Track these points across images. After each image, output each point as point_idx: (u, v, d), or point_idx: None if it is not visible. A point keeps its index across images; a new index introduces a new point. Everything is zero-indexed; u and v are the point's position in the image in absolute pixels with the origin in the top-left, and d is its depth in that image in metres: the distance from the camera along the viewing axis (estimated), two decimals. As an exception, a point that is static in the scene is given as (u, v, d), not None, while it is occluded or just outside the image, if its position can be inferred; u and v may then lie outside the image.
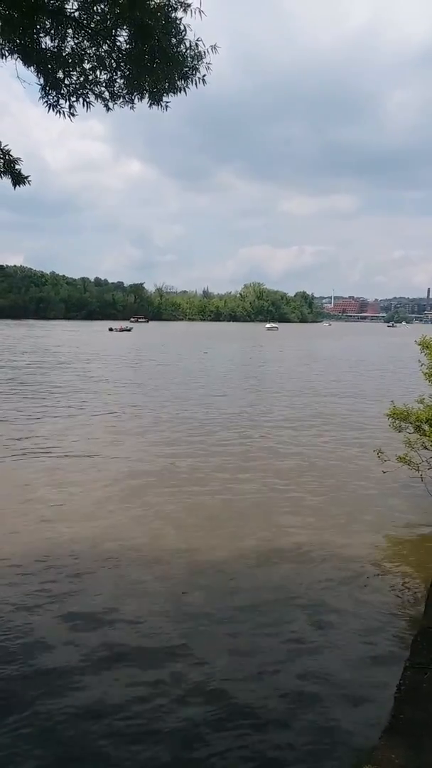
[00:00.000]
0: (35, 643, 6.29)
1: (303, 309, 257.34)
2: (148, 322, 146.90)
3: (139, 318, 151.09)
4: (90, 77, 6.64)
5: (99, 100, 6.73)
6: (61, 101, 6.67)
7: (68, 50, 6.51)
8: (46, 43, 6.43)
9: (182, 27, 6.18)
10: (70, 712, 5.21)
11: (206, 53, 6.35)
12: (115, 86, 6.69)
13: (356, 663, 6.10)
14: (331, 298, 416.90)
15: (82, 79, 6.65)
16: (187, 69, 6.39)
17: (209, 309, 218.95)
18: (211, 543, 9.21)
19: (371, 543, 9.40)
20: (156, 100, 6.66)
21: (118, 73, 6.61)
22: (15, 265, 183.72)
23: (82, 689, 5.55)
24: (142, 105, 6.81)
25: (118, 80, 6.66)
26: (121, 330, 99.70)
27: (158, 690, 5.57)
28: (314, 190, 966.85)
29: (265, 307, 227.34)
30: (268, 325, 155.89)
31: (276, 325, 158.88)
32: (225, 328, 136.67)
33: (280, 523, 10.18)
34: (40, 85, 6.63)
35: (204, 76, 6.48)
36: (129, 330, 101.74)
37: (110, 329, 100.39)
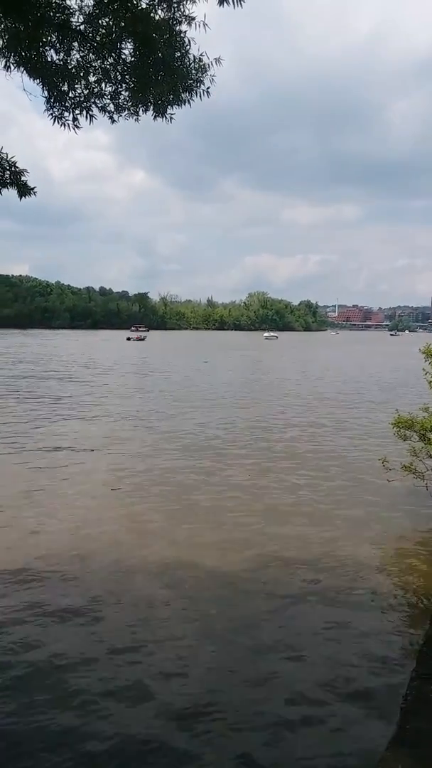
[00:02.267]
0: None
1: (307, 318, 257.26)
2: (147, 331, 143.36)
3: (139, 327, 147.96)
4: (95, 90, 6.71)
5: (104, 112, 6.80)
6: (66, 114, 6.75)
7: (73, 63, 6.58)
8: (51, 56, 6.51)
9: (186, 40, 6.26)
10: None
11: (210, 66, 6.43)
12: (119, 99, 6.76)
13: (361, 673, 6.06)
14: (335, 306, 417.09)
15: (86, 91, 6.72)
16: (191, 81, 6.46)
17: (213, 318, 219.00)
18: (210, 552, 9.17)
19: (376, 553, 9.36)
20: (160, 112, 6.73)
21: (123, 85, 6.68)
22: (20, 275, 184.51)
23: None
24: (147, 116, 6.89)
25: (122, 93, 6.73)
26: (138, 339, 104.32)
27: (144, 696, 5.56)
28: (318, 199, 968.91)
29: (269, 315, 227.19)
30: (266, 334, 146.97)
31: (275, 334, 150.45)
32: (227, 338, 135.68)
33: (284, 533, 10.12)
34: (45, 97, 6.71)
35: (208, 88, 6.55)
36: (143, 339, 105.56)
37: (128, 338, 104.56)
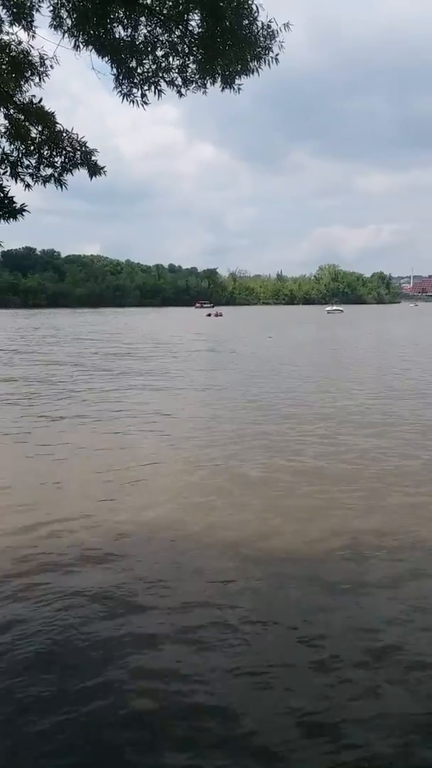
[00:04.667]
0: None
1: (380, 290, 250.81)
2: (212, 306, 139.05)
3: (204, 303, 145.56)
4: (162, 64, 6.69)
5: (172, 86, 6.77)
6: (134, 90, 6.76)
7: (141, 38, 6.57)
8: (119, 32, 6.52)
9: (254, 7, 6.10)
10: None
11: (279, 32, 6.24)
12: (187, 72, 6.71)
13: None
14: (409, 278, 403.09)
15: (154, 66, 6.71)
16: (259, 49, 6.30)
17: (283, 292, 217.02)
18: (292, 528, 9.13)
19: None
20: (228, 83, 6.62)
21: (191, 58, 6.61)
22: (92, 255, 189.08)
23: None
24: (214, 88, 6.80)
25: (190, 65, 6.67)
26: (216, 315, 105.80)
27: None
28: (393, 165, 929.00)
29: (340, 288, 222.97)
30: (328, 308, 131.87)
31: (340, 308, 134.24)
32: (294, 313, 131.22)
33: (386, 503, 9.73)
34: (114, 75, 6.74)
35: (277, 55, 6.37)
36: (221, 315, 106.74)
37: (207, 315, 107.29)
